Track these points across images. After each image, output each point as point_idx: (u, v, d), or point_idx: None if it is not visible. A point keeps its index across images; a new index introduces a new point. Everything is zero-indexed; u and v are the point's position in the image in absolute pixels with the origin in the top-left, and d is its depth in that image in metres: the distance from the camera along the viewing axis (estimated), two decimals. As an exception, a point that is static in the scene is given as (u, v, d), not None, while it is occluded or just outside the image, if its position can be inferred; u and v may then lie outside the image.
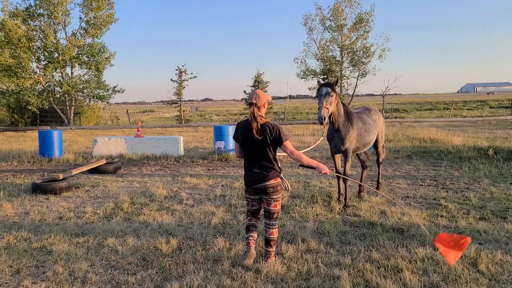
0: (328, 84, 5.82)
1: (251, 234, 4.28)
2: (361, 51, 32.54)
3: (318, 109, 5.75)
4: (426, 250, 4.42)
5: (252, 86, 31.77)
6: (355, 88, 33.36)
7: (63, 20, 29.31)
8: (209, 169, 10.57)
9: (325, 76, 31.21)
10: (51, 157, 12.56)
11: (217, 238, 5.03)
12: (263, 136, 4.05)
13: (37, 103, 27.88)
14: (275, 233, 4.26)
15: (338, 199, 6.53)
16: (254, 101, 4.10)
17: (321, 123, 5.67)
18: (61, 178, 8.34)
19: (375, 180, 8.29)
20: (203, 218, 5.99)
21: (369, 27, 32.11)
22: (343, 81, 33.22)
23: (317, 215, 5.96)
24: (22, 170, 10.92)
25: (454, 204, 6.34)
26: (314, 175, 9.25)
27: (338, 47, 33.30)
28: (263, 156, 4.12)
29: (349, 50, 32.68)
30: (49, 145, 12.73)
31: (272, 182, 4.12)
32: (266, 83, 31.23)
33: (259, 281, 3.82)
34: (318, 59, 33.08)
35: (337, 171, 6.53)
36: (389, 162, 10.73)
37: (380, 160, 7.48)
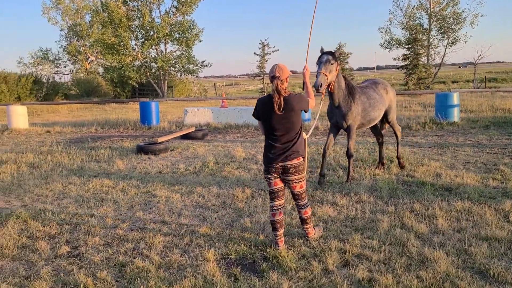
0: (329, 52, 5.64)
1: (278, 233, 4.04)
2: (451, 18, 30.72)
3: (316, 76, 5.55)
4: (464, 203, 4.98)
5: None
6: (443, 57, 31.72)
7: (157, 0, 31.63)
8: (285, 137, 11.52)
9: (410, 46, 30.11)
10: (150, 125, 14.45)
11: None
12: (287, 110, 3.84)
13: (136, 78, 30.82)
14: (308, 211, 4.14)
15: (319, 180, 6.27)
16: (277, 74, 3.86)
17: (318, 90, 5.48)
18: (159, 141, 9.88)
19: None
20: (275, 175, 6.99)
21: (461, -9, 30.14)
22: (430, 50, 31.81)
23: (374, 175, 6.67)
24: (127, 136, 12.84)
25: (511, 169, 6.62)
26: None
27: (426, 14, 31.73)
28: (287, 133, 3.90)
29: (438, 17, 31.00)
30: (148, 114, 14.62)
31: (294, 161, 3.91)
32: (347, 54, 31.01)
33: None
34: (403, 28, 31.92)
35: (325, 148, 6.32)
36: (463, 132, 10.81)
37: (399, 136, 7.11)
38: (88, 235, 4.65)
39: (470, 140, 9.70)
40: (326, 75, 5.52)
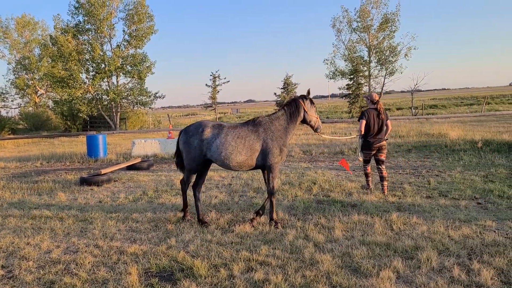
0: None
1: (369, 178, 7.60)
2: (388, 51, 33.25)
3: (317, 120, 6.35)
4: (360, 216, 5.81)
5: (282, 88, 33.23)
6: (383, 86, 34.04)
7: (108, 34, 32.04)
8: (226, 165, 12.20)
9: (352, 76, 32.16)
10: (97, 158, 14.70)
11: (211, 212, 6.64)
12: (384, 117, 7.27)
13: (87, 111, 30.77)
14: (385, 172, 7.31)
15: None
16: (376, 98, 7.39)
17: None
18: (102, 173, 10.26)
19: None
20: (207, 200, 7.62)
21: (395, 27, 32.78)
22: (371, 80, 34.06)
23: (296, 196, 7.43)
24: (73, 169, 13.05)
25: (413, 187, 7.60)
26: (313, 168, 10.64)
27: (365, 47, 34.14)
28: (382, 128, 7.26)
29: (376, 50, 33.46)
30: (95, 147, 14.88)
31: (383, 143, 7.31)
32: (295, 85, 32.60)
33: (230, 235, 5.36)
34: (346, 60, 34.10)
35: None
36: (387, 155, 11.91)
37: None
38: (23, 260, 5.03)
39: (390, 163, 10.77)
40: None
